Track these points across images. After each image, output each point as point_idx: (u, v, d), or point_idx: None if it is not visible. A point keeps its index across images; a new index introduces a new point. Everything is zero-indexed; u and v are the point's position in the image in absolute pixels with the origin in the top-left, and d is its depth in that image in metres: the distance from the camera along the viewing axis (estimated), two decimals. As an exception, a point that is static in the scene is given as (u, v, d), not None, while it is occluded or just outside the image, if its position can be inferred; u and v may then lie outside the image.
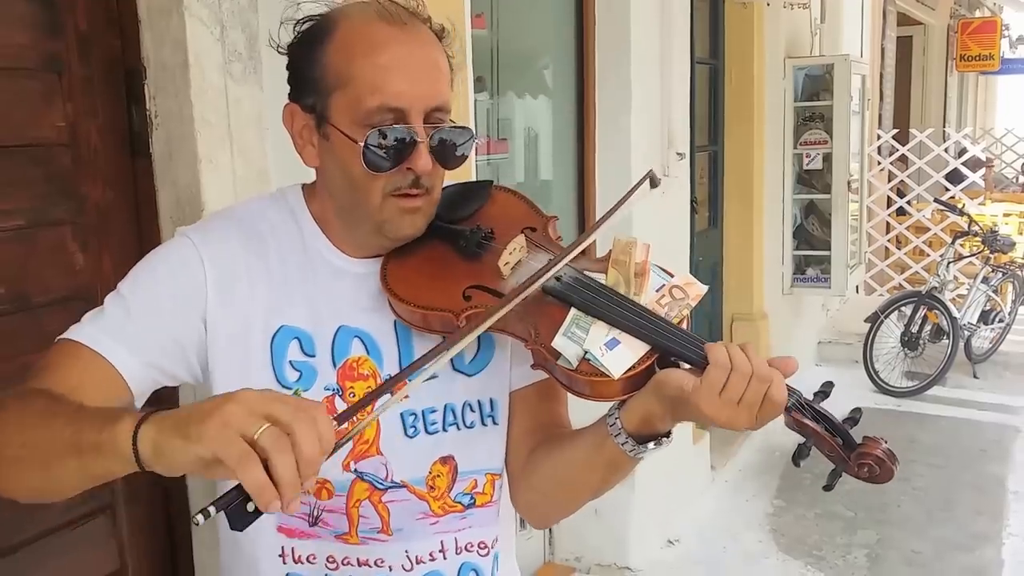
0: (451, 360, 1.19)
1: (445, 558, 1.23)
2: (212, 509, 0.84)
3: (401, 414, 1.19)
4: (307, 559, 1.20)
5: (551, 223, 1.26)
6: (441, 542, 1.23)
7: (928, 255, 7.92)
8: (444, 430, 1.22)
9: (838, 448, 1.10)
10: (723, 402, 1.04)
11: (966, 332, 6.74)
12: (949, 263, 6.83)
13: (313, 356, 1.17)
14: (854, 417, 1.14)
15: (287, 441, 0.84)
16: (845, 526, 4.29)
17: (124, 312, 1.13)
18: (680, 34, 4.07)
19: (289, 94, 1.19)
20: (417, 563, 1.21)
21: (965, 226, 6.93)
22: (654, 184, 1.21)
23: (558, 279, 1.14)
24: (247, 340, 1.16)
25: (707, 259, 5.29)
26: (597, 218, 1.15)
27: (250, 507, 0.84)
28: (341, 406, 1.15)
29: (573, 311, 1.12)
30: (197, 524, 0.84)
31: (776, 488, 4.69)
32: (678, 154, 4.06)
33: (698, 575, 3.83)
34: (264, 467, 0.83)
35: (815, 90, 6.17)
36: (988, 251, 6.94)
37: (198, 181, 1.80)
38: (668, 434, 1.13)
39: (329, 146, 1.15)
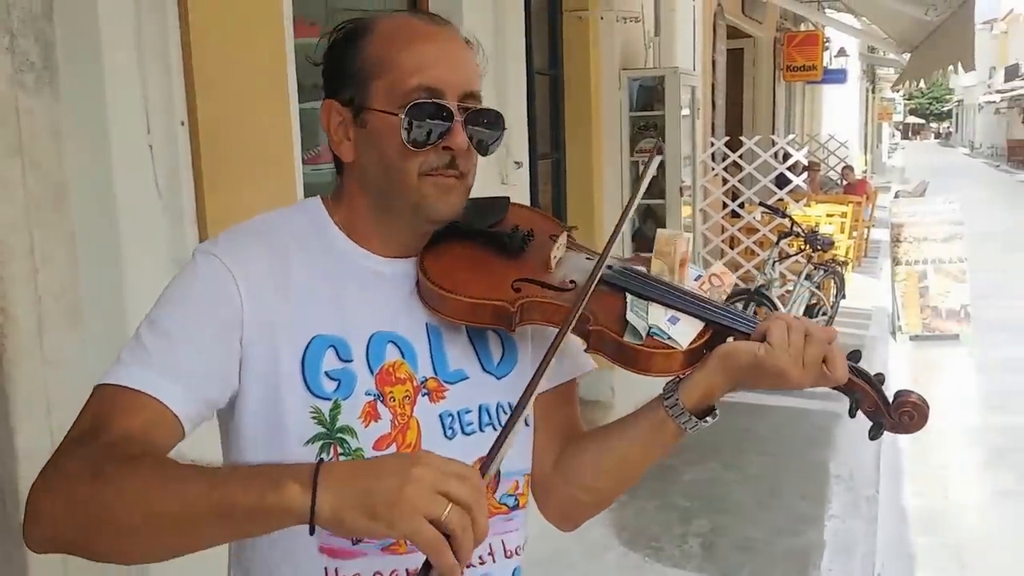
0: (480, 361, 1.24)
1: (495, 561, 1.24)
2: None
3: (440, 415, 1.19)
4: None
5: (572, 232, 1.34)
6: (489, 545, 1.23)
7: (759, 255, 8.34)
8: (481, 431, 1.22)
9: (878, 402, 1.24)
10: (791, 359, 1.15)
11: (793, 327, 7.13)
12: (775, 262, 7.23)
13: (350, 361, 1.16)
14: (880, 378, 1.27)
15: (469, 520, 0.88)
16: (681, 516, 4.47)
17: (168, 346, 1.09)
18: (514, 46, 4.17)
19: (325, 94, 1.21)
20: (466, 568, 1.22)
21: (789, 227, 7.35)
22: (661, 152, 1.35)
23: (609, 267, 1.22)
24: (277, 356, 1.13)
25: (550, 263, 5.41)
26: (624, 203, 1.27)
27: None
28: (383, 411, 1.16)
29: (630, 296, 1.20)
30: None
31: (618, 483, 4.83)
32: (516, 163, 4.16)
33: (542, 572, 3.91)
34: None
35: (649, 100, 6.41)
36: (811, 250, 7.39)
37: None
38: (714, 408, 1.23)
39: (366, 133, 1.18)
